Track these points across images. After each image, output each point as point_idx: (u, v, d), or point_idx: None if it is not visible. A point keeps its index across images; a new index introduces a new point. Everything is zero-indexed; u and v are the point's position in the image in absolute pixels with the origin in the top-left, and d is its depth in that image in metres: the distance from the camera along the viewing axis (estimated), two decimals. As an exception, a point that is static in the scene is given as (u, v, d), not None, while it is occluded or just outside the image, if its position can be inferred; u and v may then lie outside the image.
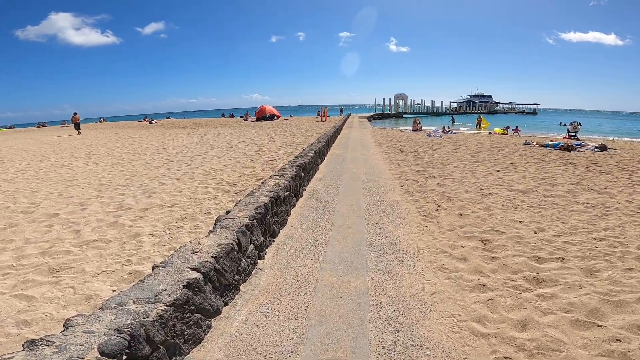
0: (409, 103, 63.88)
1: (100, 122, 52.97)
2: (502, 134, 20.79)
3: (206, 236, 3.18)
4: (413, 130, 20.31)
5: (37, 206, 5.18)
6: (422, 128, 21.39)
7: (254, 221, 3.58)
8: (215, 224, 3.45)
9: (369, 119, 41.35)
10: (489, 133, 21.39)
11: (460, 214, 5.03)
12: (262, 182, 5.07)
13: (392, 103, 59.35)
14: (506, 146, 12.54)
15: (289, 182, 5.17)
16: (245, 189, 5.41)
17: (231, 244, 3.04)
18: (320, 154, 9.02)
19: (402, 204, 5.53)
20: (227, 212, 3.79)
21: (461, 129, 26.52)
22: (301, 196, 5.91)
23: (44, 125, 47.41)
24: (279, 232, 4.33)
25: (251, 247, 3.42)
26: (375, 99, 61.05)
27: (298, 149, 10.08)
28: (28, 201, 5.47)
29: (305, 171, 6.58)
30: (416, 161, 9.15)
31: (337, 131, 16.40)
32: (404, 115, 57.81)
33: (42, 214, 4.83)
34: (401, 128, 24.81)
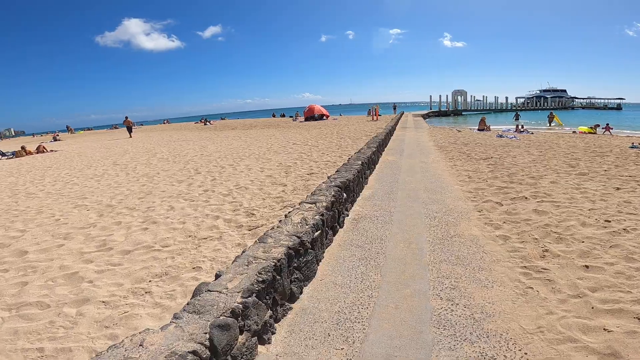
0: (468, 99, 58.99)
1: (165, 123, 56.39)
2: (591, 132, 17.31)
3: (162, 328, 1.85)
4: (479, 129, 17.70)
5: (16, 240, 4.31)
6: (491, 127, 18.62)
7: (251, 298, 2.18)
8: (189, 302, 2.11)
9: (424, 117, 38.39)
10: (573, 132, 17.98)
11: (586, 266, 3.24)
12: (287, 215, 3.68)
13: (450, 100, 55.19)
14: (609, 150, 9.83)
15: (322, 214, 3.71)
16: (263, 225, 4.06)
17: (194, 351, 1.68)
18: (369, 164, 7.45)
19: (483, 242, 3.82)
20: (217, 277, 2.45)
21: (527, 128, 22.95)
22: (341, 227, 4.42)
23: (115, 127, 51.58)
24: (301, 293, 2.91)
25: (242, 338, 2.03)
26: (431, 96, 57.26)
27: (343, 157, 8.59)
28: (4, 234, 4.61)
29: (348, 191, 5.07)
30: (493, 172, 7.16)
31: (389, 132, 14.61)
32: (463, 113, 53.41)
33: (13, 250, 3.93)
34: (458, 128, 22.09)
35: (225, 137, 18.72)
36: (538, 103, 70.67)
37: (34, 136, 51.25)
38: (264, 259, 2.66)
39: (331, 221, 4.09)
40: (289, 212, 3.80)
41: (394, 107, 40.59)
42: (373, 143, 9.86)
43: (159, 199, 5.68)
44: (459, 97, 56.73)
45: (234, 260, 2.74)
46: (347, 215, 4.86)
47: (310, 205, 3.95)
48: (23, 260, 3.61)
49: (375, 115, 26.26)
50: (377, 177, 7.18)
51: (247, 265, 2.60)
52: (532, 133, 16.73)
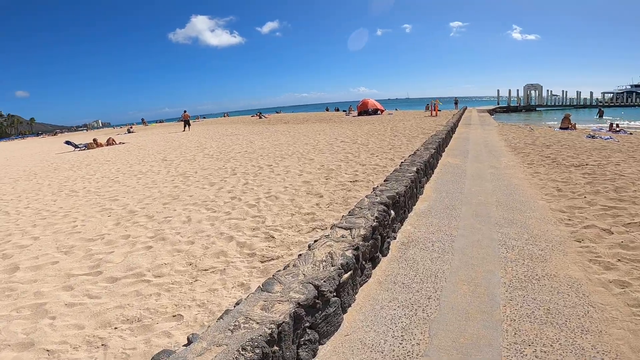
0: (544, 94, 52.67)
1: (224, 116, 58.87)
2: None
3: None
4: (561, 128, 15.10)
5: (21, 250, 3.95)
6: (576, 126, 15.81)
7: None
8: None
9: (491, 112, 34.81)
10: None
11: None
12: (310, 246, 2.78)
13: (521, 95, 49.79)
14: None
15: (357, 248, 2.73)
16: (279, 258, 3.18)
17: None
18: (426, 169, 6.24)
19: (588, 289, 2.66)
20: (188, 342, 1.64)
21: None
22: (384, 255, 3.40)
23: (198, 119, 56.02)
24: (314, 356, 1.99)
25: None
26: (499, 90, 52.31)
27: (395, 160, 7.42)
28: (16, 242, 4.29)
29: (397, 208, 4.01)
30: (592, 185, 5.53)
31: (451, 129, 12.93)
32: (537, 109, 47.87)
33: (6, 265, 3.52)
34: (532, 125, 19.30)
35: (274, 132, 18.36)
36: (629, 99, 60.90)
37: (114, 128, 56.66)
38: (258, 322, 1.78)
39: (371, 252, 3.09)
40: (315, 241, 2.87)
41: (456, 101, 37.50)
42: (431, 143, 8.52)
43: (182, 206, 5.11)
44: (533, 92, 50.91)
45: (218, 318, 1.90)
46: (394, 238, 3.81)
47: (343, 232, 2.98)
48: (7, 279, 3.17)
49: (435, 110, 24.14)
50: (435, 186, 5.95)
51: (231, 331, 1.73)
52: (631, 133, 13.80)
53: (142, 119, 61.28)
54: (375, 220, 3.25)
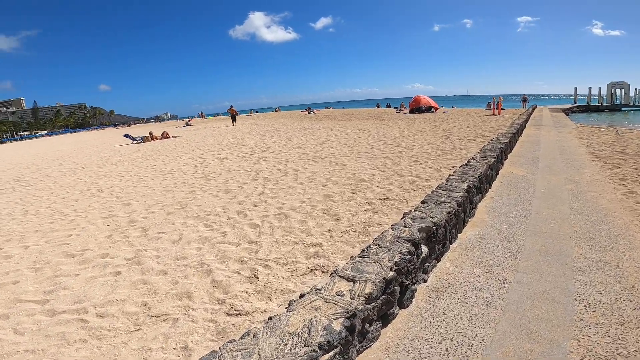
0: (631, 93, 45.41)
1: (276, 111, 59.74)
2: None
3: None
4: (662, 133, 12.30)
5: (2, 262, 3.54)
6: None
7: None
8: None
9: (566, 112, 30.62)
10: None
11: None
12: (290, 305, 1.89)
13: (604, 93, 43.48)
14: None
15: (354, 315, 1.76)
16: (251, 312, 2.33)
17: None
18: (481, 184, 4.99)
19: None
20: None
21: None
22: (404, 306, 2.39)
23: (251, 113, 58.62)
24: None
25: None
26: (576, 88, 46.11)
27: (442, 170, 6.15)
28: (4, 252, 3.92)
29: (432, 243, 2.95)
30: None
31: (517, 132, 11.05)
32: (622, 109, 41.47)
33: None
34: (619, 128, 16.21)
35: (317, 129, 17.60)
36: None
37: (177, 120, 60.27)
38: None
39: (380, 312, 2.12)
40: (301, 296, 1.98)
41: (524, 99, 33.41)
42: (491, 149, 7.07)
43: (183, 219, 4.50)
44: (618, 90, 44.17)
45: None
46: (425, 281, 2.76)
47: (343, 284, 2.08)
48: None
49: (498, 108, 21.57)
50: (492, 205, 4.67)
51: None
52: None
53: (201, 113, 64.58)
54: (394, 268, 2.26)
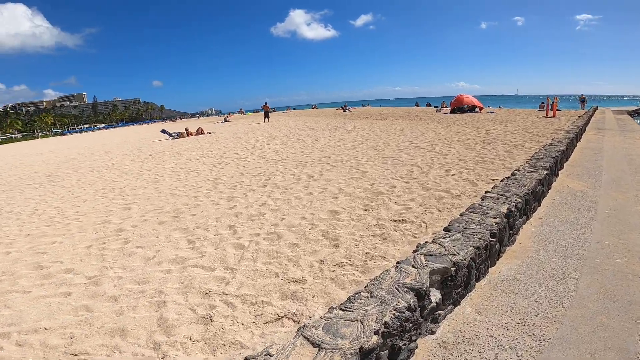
0: None
1: (313, 108, 59.55)
2: None
3: None
4: None
5: None
6: None
7: None
8: None
9: (632, 114, 27.08)
10: None
11: None
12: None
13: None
14: None
15: None
16: None
17: None
18: (527, 204, 4.04)
19: None
20: None
21: None
22: None
23: (288, 110, 59.70)
24: None
25: None
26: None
27: (479, 184, 5.13)
28: None
29: (448, 288, 2.16)
30: None
31: (575, 137, 9.55)
32: None
33: None
34: None
35: (348, 128, 16.83)
36: None
37: (218, 115, 62.19)
38: None
39: None
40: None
41: (582, 99, 29.86)
42: (543, 159, 5.95)
43: (169, 232, 4.03)
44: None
45: None
46: (432, 332, 2.01)
47: (307, 350, 1.39)
48: None
49: (552, 110, 19.40)
50: (538, 229, 3.71)
51: None
52: None
53: (240, 109, 66.23)
54: (381, 331, 1.56)
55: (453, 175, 5.62)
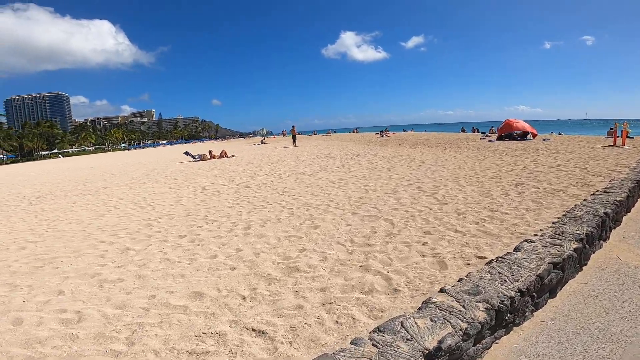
0: None
1: (354, 132, 58.38)
2: None
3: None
4: None
5: None
6: None
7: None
8: None
9: None
10: None
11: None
12: None
13: None
14: None
15: None
16: None
17: None
18: (514, 313, 2.18)
19: None
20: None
21: None
22: None
23: (329, 133, 58.26)
24: None
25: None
26: None
27: (451, 267, 3.27)
28: None
29: None
30: None
31: (646, 179, 7.00)
32: None
33: None
34: None
35: (367, 157, 15.19)
36: None
37: (268, 136, 63.36)
38: None
39: None
40: None
41: None
42: (580, 219, 3.91)
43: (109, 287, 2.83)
44: None
45: None
46: None
47: None
48: None
49: (622, 137, 15.96)
50: (554, 334, 1.85)
51: None
52: None
53: (283, 131, 67.14)
54: None
55: (425, 244, 3.76)
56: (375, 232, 4.31)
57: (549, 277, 2.73)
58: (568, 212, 4.38)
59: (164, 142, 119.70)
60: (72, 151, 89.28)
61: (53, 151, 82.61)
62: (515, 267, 2.73)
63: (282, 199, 6.97)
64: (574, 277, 3.28)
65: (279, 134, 74.35)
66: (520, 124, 22.26)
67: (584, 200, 5.08)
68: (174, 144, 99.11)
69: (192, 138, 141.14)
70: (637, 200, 6.27)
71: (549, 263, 2.80)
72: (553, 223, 3.96)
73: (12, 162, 61.55)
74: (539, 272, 2.64)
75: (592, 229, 3.70)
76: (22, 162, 62.93)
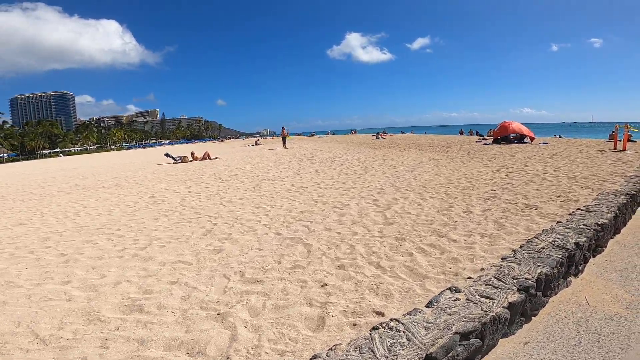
0: None
1: (352, 133, 57.40)
2: None
3: None
4: None
5: None
6: None
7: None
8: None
9: None
10: None
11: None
12: None
13: None
14: None
15: None
16: None
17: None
18: None
19: None
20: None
21: None
22: None
23: (328, 134, 58.87)
24: None
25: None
26: None
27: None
28: None
29: None
30: None
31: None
32: None
33: None
34: None
35: (349, 161, 14.29)
36: None
37: (266, 137, 62.50)
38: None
39: None
40: None
41: None
42: (549, 247, 2.97)
43: None
44: None
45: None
46: None
47: None
48: None
49: (623, 141, 14.84)
50: None
51: None
52: None
53: (282, 131, 66.31)
54: None
55: (324, 285, 2.78)
56: (280, 263, 3.40)
57: (450, 355, 1.81)
58: (529, 241, 3.43)
59: (167, 141, 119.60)
60: (75, 150, 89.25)
61: (55, 150, 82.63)
62: (403, 340, 1.81)
63: (217, 211, 6.08)
64: (514, 334, 2.35)
65: (276, 136, 73.65)
66: (517, 126, 21.14)
67: (557, 222, 4.12)
68: (176, 143, 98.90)
69: (194, 138, 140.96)
70: (629, 219, 5.29)
71: (455, 333, 1.87)
72: (502, 258, 3.02)
73: (12, 161, 61.45)
74: (430, 351, 1.71)
75: (549, 270, 2.76)
76: (20, 161, 62.84)
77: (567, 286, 3.19)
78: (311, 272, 3.14)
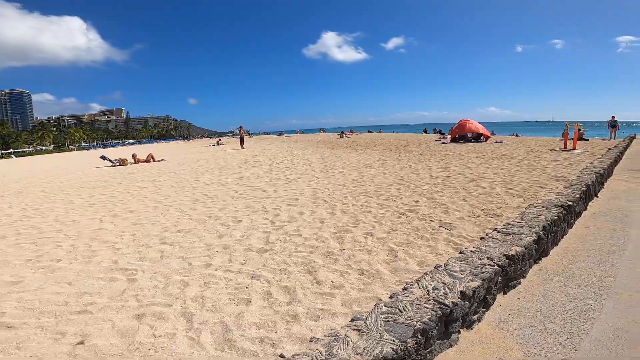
0: None
1: (320, 132, 56.51)
2: None
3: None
4: None
5: None
6: None
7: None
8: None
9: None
10: None
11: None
12: None
13: None
14: None
15: None
16: None
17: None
18: None
19: None
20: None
21: None
22: None
23: (297, 133, 56.28)
24: None
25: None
26: None
27: None
28: None
29: None
30: None
31: (584, 194, 5.33)
32: None
33: None
34: None
35: (293, 163, 13.34)
36: None
37: (250, 135, 59.56)
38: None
39: None
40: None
41: (612, 124, 22.85)
42: (413, 309, 2.03)
43: None
44: None
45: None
46: None
47: None
48: None
49: (574, 140, 14.73)
50: None
51: None
52: None
53: (249, 131, 64.35)
54: None
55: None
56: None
57: None
58: (404, 288, 2.54)
59: (132, 141, 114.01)
60: (29, 151, 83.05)
61: (7, 151, 76.44)
62: None
63: (80, 230, 4.89)
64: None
65: (256, 134, 71.62)
66: (474, 125, 20.94)
67: (459, 253, 3.28)
68: (141, 143, 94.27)
69: (162, 137, 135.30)
70: (564, 235, 4.55)
71: None
72: (328, 334, 2.07)
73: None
74: None
75: (400, 346, 1.85)
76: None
77: (451, 346, 2.33)
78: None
